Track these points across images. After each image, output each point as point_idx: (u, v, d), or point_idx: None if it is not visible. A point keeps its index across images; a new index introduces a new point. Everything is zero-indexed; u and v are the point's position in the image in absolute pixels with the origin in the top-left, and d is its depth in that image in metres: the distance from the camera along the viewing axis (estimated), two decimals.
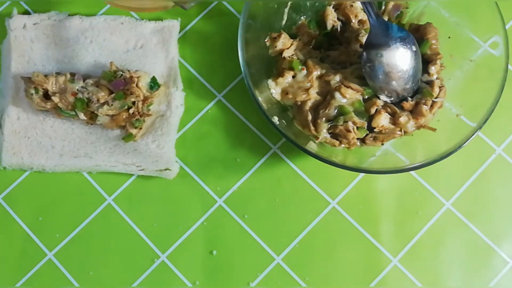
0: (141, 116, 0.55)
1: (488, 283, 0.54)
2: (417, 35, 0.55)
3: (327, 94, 0.54)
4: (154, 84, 0.55)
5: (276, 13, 0.56)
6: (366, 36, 0.54)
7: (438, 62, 0.54)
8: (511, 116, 0.58)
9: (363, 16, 0.56)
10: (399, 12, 0.57)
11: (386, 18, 0.57)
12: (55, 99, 0.53)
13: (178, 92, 0.57)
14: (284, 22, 0.57)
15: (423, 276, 0.54)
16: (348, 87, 0.53)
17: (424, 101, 0.53)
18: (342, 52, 0.56)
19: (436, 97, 0.53)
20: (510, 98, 0.54)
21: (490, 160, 0.57)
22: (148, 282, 0.54)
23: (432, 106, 0.53)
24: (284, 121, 0.53)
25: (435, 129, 0.53)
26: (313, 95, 0.54)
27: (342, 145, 0.52)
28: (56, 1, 0.59)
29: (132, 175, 0.56)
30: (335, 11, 0.57)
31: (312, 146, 0.52)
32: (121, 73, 0.54)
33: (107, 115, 0.54)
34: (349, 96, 0.52)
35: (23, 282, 0.53)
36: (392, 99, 0.53)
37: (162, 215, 0.55)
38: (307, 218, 0.55)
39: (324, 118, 0.52)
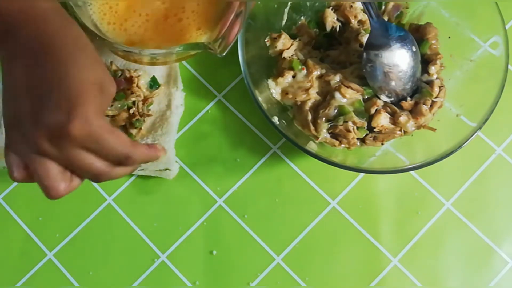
0: (141, 116, 0.55)
1: (488, 283, 0.54)
2: (417, 35, 0.55)
3: (327, 94, 0.54)
4: (154, 83, 0.55)
5: (276, 13, 0.56)
6: (366, 36, 0.54)
7: (438, 62, 0.54)
8: (511, 116, 0.58)
9: (362, 16, 0.56)
10: (399, 12, 0.57)
11: (386, 18, 0.57)
12: None
13: (178, 92, 0.57)
14: (284, 22, 0.57)
15: (423, 276, 0.54)
16: (348, 87, 0.53)
17: (423, 100, 0.53)
18: (342, 52, 0.56)
19: (436, 97, 0.53)
20: (510, 98, 0.54)
21: (490, 160, 0.57)
22: (148, 282, 0.54)
23: (432, 106, 0.53)
24: (284, 121, 0.53)
25: (435, 129, 0.53)
26: (313, 95, 0.54)
27: (342, 145, 0.52)
28: None
29: (132, 175, 0.56)
30: (334, 12, 0.57)
31: (312, 146, 0.52)
32: (121, 72, 0.54)
33: (107, 115, 0.54)
34: (349, 96, 0.52)
35: (23, 282, 0.53)
36: (392, 99, 0.53)
37: (162, 215, 0.55)
38: (307, 218, 0.55)
39: (324, 118, 0.52)
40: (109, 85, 0.37)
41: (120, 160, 0.37)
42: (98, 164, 0.36)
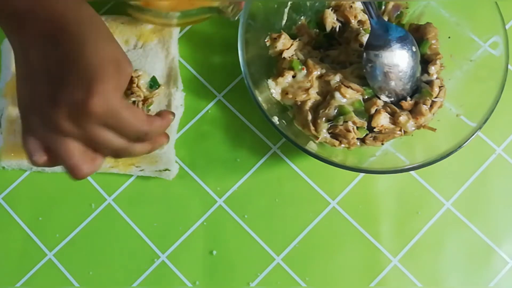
0: None
1: (488, 283, 0.54)
2: (417, 35, 0.55)
3: (327, 94, 0.54)
4: (154, 84, 0.56)
5: (276, 13, 0.56)
6: (366, 36, 0.54)
7: (438, 62, 0.54)
8: (511, 116, 0.58)
9: (362, 16, 0.56)
10: (399, 12, 0.57)
11: (386, 18, 0.57)
12: None
13: (178, 93, 0.57)
14: (284, 22, 0.57)
15: (423, 276, 0.54)
16: (348, 87, 0.53)
17: (423, 100, 0.53)
18: (342, 52, 0.56)
19: (436, 97, 0.53)
20: (510, 98, 0.54)
21: (490, 160, 0.57)
22: (148, 282, 0.54)
23: (431, 105, 0.53)
24: (284, 121, 0.53)
25: (435, 129, 0.53)
26: (313, 95, 0.54)
27: (342, 145, 0.52)
28: None
29: (132, 175, 0.56)
30: (334, 12, 0.57)
31: (312, 146, 0.52)
32: None
33: None
34: (349, 96, 0.52)
35: (23, 282, 0.53)
36: (392, 99, 0.53)
37: (162, 215, 0.55)
38: (307, 218, 0.55)
39: (324, 118, 0.52)
40: (126, 64, 0.37)
41: (138, 136, 0.38)
42: (117, 140, 0.37)
